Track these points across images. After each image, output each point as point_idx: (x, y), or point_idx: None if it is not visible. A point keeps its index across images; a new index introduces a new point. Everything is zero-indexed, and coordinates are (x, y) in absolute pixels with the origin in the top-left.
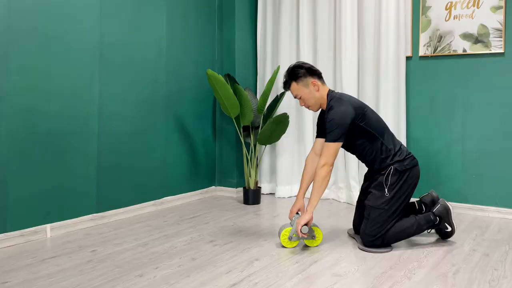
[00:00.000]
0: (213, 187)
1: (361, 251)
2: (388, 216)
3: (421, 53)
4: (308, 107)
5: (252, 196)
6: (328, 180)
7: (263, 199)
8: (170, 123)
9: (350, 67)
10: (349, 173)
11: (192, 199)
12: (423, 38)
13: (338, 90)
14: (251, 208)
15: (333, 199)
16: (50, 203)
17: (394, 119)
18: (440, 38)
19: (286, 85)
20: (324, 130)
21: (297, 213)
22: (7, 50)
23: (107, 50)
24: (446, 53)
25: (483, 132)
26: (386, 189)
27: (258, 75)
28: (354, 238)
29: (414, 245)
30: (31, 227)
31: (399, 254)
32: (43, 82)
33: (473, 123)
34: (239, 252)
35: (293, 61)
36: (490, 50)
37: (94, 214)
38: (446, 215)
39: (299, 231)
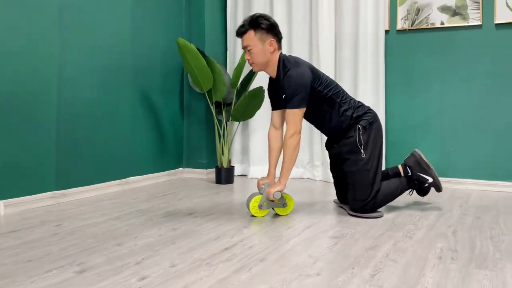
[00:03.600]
0: (181, 168)
1: (353, 217)
2: (372, 176)
3: (398, 26)
4: (251, 64)
5: (225, 175)
6: (299, 149)
7: (235, 180)
8: (136, 96)
9: (327, 42)
10: (325, 150)
11: (158, 181)
12: (401, 11)
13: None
14: (224, 187)
15: (308, 178)
16: (3, 178)
17: (373, 94)
18: (418, 11)
19: (241, 31)
20: (279, 102)
21: (265, 183)
22: None
23: (68, 10)
24: (424, 26)
25: (461, 105)
26: (362, 150)
27: (228, 50)
28: (342, 207)
29: (404, 211)
30: None
31: (391, 219)
32: None
33: (451, 96)
34: (223, 222)
35: None
36: (468, 22)
37: (55, 192)
38: (417, 164)
39: (271, 196)
